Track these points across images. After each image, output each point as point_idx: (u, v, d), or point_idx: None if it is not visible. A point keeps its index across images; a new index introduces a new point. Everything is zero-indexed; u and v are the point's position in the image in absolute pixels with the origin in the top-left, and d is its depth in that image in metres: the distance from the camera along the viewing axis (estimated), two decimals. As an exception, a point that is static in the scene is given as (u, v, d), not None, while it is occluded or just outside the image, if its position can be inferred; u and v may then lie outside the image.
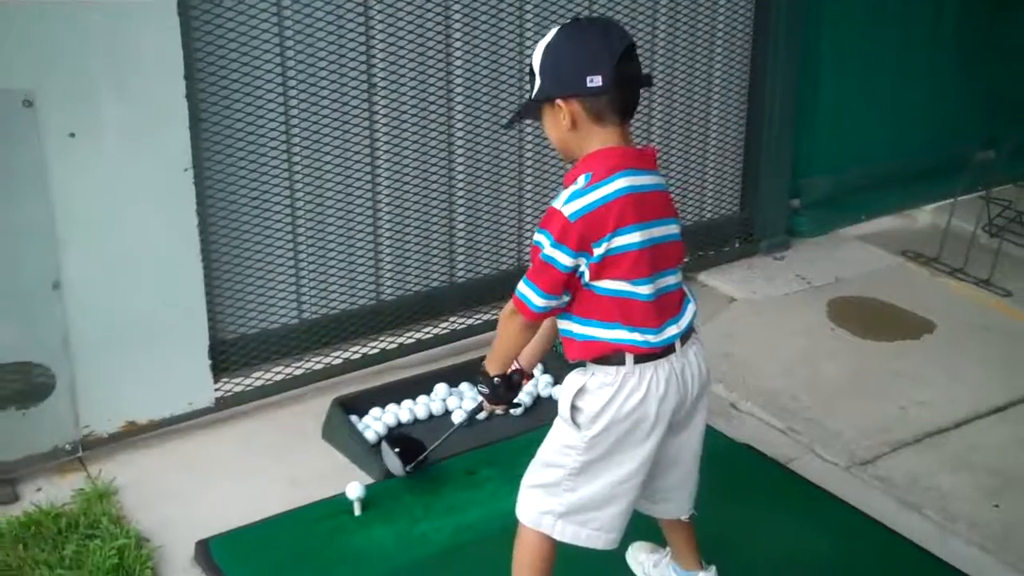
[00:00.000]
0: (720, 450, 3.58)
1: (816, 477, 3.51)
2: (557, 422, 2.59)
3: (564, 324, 2.53)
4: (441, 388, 3.84)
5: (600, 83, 2.39)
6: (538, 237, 2.43)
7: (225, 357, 3.76)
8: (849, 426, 3.79)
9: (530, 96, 2.51)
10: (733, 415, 3.90)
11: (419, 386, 3.84)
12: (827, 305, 4.63)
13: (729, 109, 4.81)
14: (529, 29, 4.15)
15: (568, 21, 2.57)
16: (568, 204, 2.39)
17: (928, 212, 5.50)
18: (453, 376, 3.88)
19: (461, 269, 4.28)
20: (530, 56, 2.50)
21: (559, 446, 2.57)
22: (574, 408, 2.52)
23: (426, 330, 4.12)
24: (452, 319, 4.19)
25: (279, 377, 3.84)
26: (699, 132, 4.76)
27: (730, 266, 4.90)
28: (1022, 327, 4.52)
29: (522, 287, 2.46)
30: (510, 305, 2.51)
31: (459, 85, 4.07)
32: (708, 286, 4.76)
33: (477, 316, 4.22)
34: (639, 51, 4.34)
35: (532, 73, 2.48)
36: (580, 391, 2.51)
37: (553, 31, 2.48)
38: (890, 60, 5.21)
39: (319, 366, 3.92)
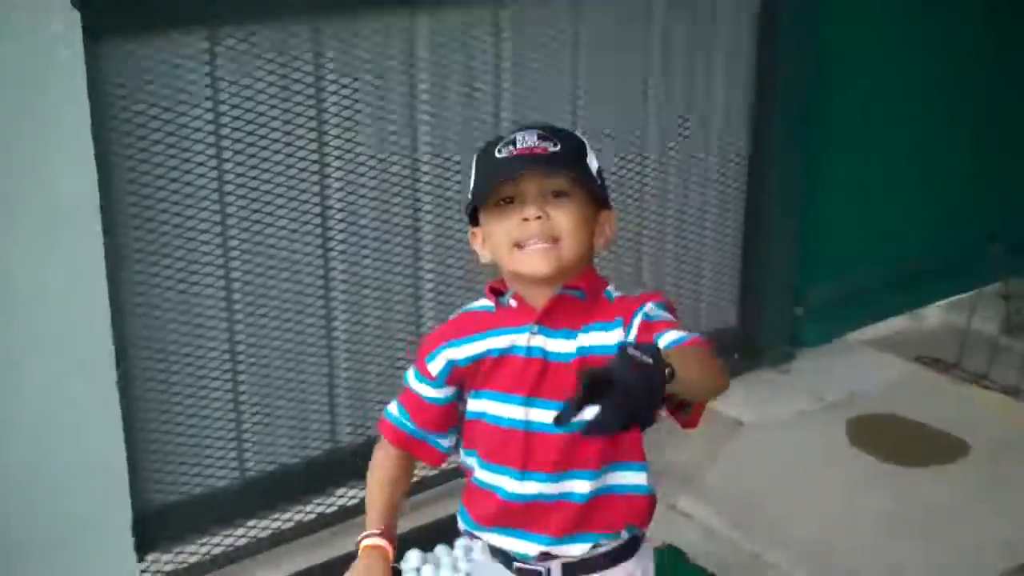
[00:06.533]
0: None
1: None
2: None
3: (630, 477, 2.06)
4: (413, 556, 3.26)
5: None
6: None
7: (153, 530, 3.16)
8: (895, 581, 3.24)
9: (599, 183, 2.04)
10: (757, 569, 3.34)
11: (387, 553, 3.24)
12: (846, 425, 4.10)
13: (726, 209, 4.31)
14: (505, 126, 3.64)
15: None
16: None
17: (937, 311, 5.02)
18: (425, 539, 3.29)
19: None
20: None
21: None
22: None
23: (392, 480, 3.53)
24: (421, 465, 3.59)
25: (219, 549, 3.25)
26: (695, 236, 4.25)
27: (732, 383, 4.32)
28: (1063, 444, 4.02)
29: None
30: None
31: (427, 223, 3.55)
32: (711, 408, 4.17)
33: (450, 460, 3.62)
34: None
35: (572, 154, 2.00)
36: None
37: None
38: (899, 154, 4.74)
39: (266, 532, 3.33)
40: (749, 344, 4.44)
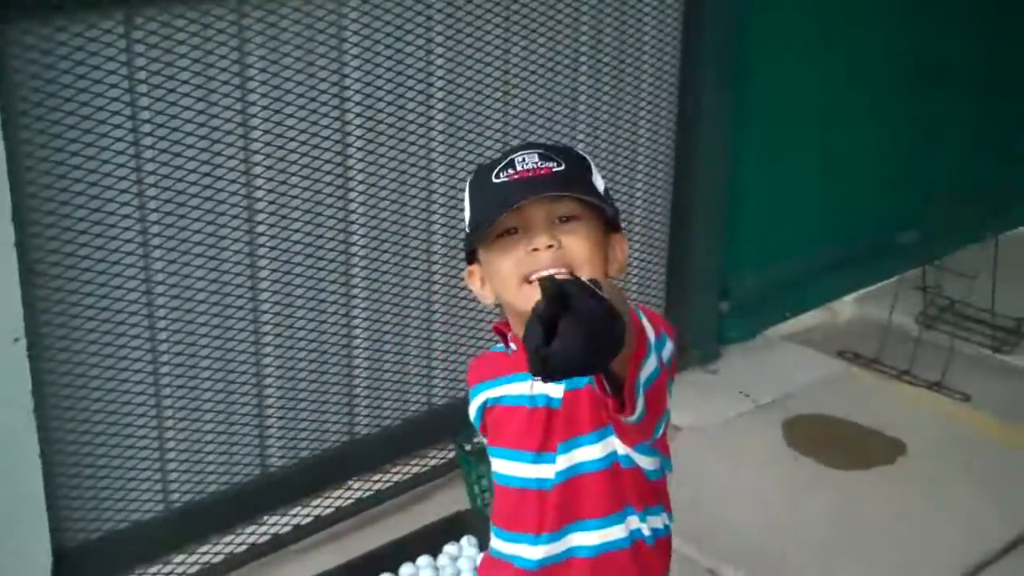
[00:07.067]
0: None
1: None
2: None
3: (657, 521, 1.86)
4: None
5: None
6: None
7: (74, 570, 2.87)
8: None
9: (611, 210, 1.82)
10: (716, 587, 3.21)
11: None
12: (782, 428, 3.98)
13: (654, 208, 4.15)
14: (437, 158, 3.42)
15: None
16: None
17: (851, 304, 4.97)
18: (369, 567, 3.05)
19: (362, 423, 3.44)
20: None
21: None
22: None
23: (326, 503, 3.28)
24: (355, 485, 3.36)
25: (145, 589, 2.95)
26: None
27: (663, 385, 4.20)
28: (994, 438, 3.97)
29: None
30: None
31: (358, 235, 3.31)
32: (646, 414, 4.04)
33: (386, 478, 3.40)
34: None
35: (578, 173, 1.79)
36: None
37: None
38: (813, 146, 4.66)
39: (195, 567, 3.04)
40: (677, 342, 4.29)
